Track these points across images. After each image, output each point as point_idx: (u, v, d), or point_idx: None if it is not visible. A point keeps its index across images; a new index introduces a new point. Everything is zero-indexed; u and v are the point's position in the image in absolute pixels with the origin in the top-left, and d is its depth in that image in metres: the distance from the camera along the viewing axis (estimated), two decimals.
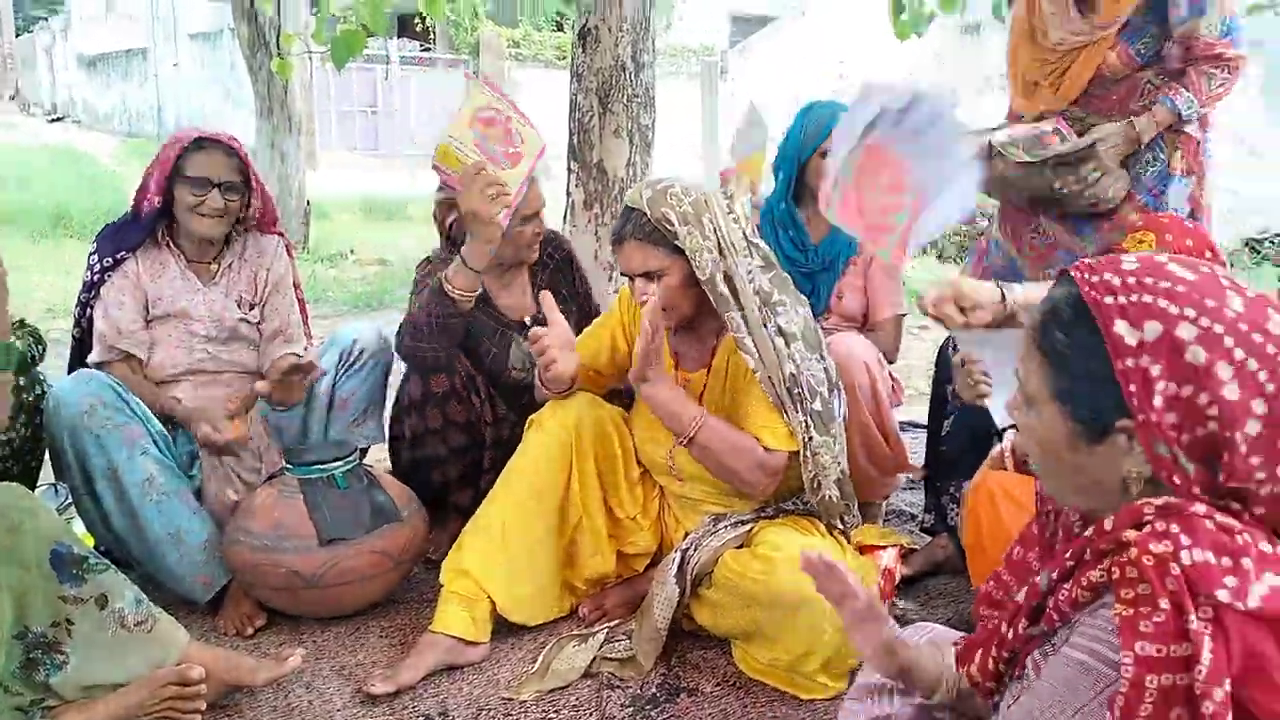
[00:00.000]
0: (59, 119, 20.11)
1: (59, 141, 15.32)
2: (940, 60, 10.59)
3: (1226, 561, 0.83)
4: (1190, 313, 0.88)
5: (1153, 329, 0.89)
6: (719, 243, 1.88)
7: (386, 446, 2.48)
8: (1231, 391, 0.86)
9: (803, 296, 2.00)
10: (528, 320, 2.42)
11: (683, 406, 1.91)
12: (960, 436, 2.32)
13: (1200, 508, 0.87)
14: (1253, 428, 0.86)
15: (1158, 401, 0.88)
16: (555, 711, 1.83)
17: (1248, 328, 0.87)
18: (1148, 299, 0.90)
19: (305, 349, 2.47)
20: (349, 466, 2.11)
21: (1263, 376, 0.86)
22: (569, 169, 3.95)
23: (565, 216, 3.95)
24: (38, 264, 6.34)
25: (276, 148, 7.09)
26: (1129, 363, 0.90)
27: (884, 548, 2.19)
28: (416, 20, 14.54)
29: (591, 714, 1.82)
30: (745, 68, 14.45)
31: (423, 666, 1.90)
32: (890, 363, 2.58)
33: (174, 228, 2.36)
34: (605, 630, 2.05)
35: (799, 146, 2.56)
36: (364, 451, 2.48)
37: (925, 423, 2.54)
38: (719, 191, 1.93)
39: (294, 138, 7.16)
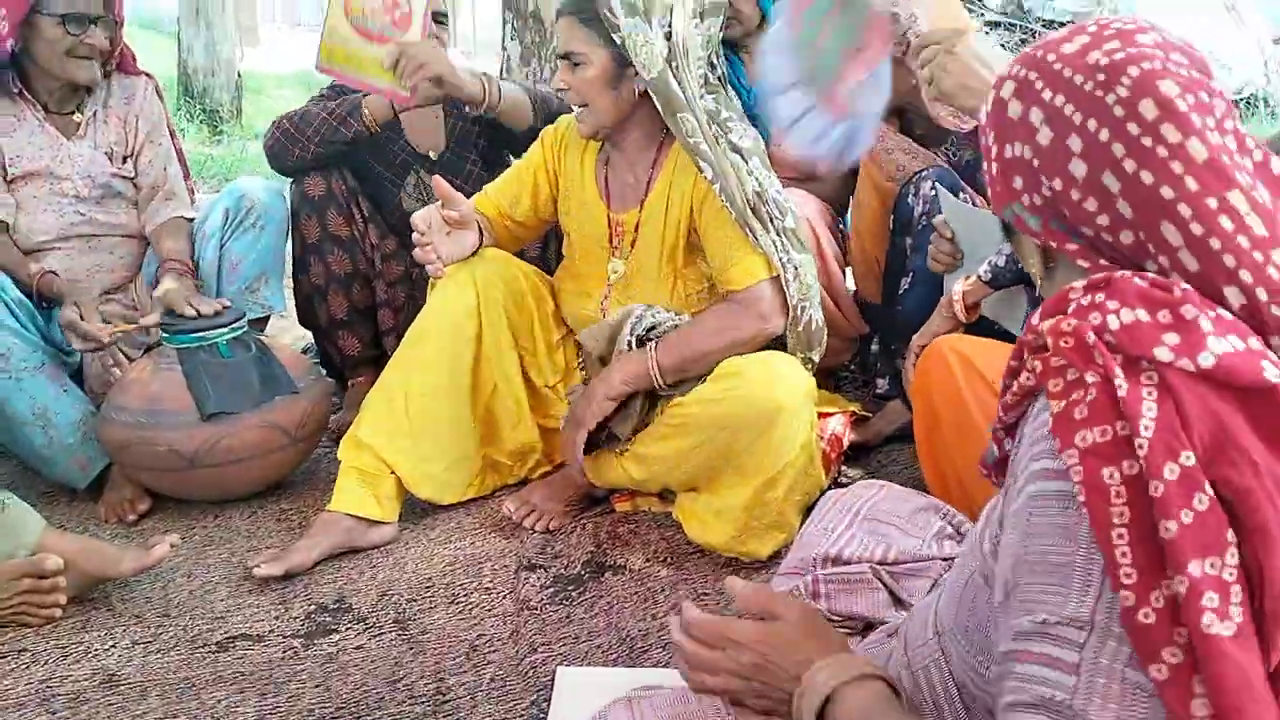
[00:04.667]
0: None
1: None
2: None
3: (1165, 316, 0.67)
4: (1018, 70, 0.79)
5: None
6: (671, 46, 1.63)
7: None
8: (1044, 137, 0.76)
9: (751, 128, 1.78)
10: (432, 155, 2.29)
11: (631, 367, 1.70)
12: (918, 296, 2.11)
13: (1128, 272, 0.71)
14: (1078, 169, 0.74)
15: (994, 169, 0.81)
16: (467, 595, 1.66)
17: (1060, 63, 0.75)
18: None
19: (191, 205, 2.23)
20: (234, 333, 1.88)
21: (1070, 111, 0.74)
22: (504, 19, 3.63)
23: (501, 73, 3.64)
24: None
25: (201, 14, 6.59)
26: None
27: (832, 414, 2.02)
28: None
29: (506, 597, 1.66)
30: None
31: (317, 549, 1.71)
32: (841, 214, 2.35)
33: (26, 76, 2.07)
34: None
35: None
36: (264, 321, 2.26)
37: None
38: None
39: (221, 3, 6.65)
